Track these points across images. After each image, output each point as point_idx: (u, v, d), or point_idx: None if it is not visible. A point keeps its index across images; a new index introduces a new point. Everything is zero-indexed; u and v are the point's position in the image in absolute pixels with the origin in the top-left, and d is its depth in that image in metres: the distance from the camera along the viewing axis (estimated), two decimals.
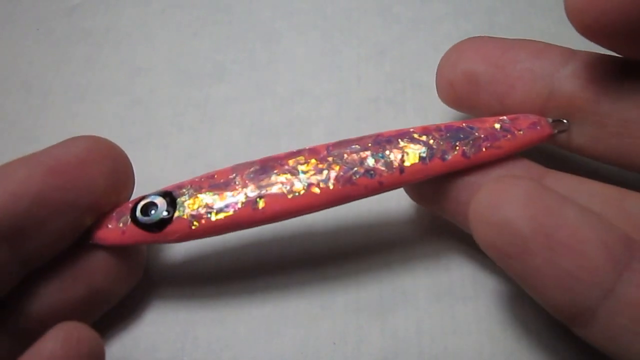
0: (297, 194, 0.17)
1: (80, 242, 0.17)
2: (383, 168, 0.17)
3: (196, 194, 0.17)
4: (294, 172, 0.17)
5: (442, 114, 0.24)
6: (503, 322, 0.19)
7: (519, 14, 0.27)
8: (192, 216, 0.17)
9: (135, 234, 0.17)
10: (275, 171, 0.17)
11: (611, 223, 0.14)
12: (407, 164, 0.17)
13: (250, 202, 0.17)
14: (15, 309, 0.16)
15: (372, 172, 0.17)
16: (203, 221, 0.17)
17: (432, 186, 0.18)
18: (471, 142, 0.18)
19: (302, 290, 0.20)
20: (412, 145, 0.18)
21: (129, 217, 0.17)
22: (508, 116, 0.19)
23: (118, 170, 0.17)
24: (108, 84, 0.26)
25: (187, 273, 0.20)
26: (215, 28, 0.27)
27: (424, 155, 0.18)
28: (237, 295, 0.20)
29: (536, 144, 0.18)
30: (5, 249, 0.15)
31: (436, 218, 0.20)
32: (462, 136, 0.18)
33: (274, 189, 0.17)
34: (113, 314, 0.19)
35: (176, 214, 0.17)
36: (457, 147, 0.18)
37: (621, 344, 0.14)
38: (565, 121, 0.18)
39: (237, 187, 0.17)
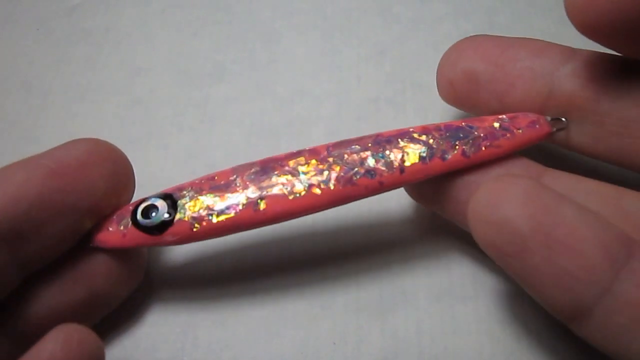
0: (298, 194, 0.17)
1: (80, 244, 0.17)
2: (383, 168, 0.17)
3: (197, 196, 0.17)
4: (294, 173, 0.17)
5: (442, 113, 0.24)
6: (503, 322, 0.19)
7: (519, 14, 0.27)
8: (193, 218, 0.17)
9: (136, 237, 0.17)
10: (275, 172, 0.17)
11: (609, 222, 0.15)
12: (407, 163, 0.17)
13: (252, 204, 0.17)
14: (15, 311, 0.16)
15: (372, 172, 0.17)
16: (204, 223, 0.17)
17: (432, 185, 0.18)
18: (471, 141, 0.18)
19: (302, 291, 0.20)
20: (412, 145, 0.18)
21: (129, 219, 0.17)
22: (507, 115, 0.19)
23: (118, 172, 0.17)
24: (108, 84, 0.26)
25: (186, 273, 0.20)
26: (215, 28, 0.27)
27: (424, 155, 0.18)
28: (237, 295, 0.20)
29: (535, 142, 0.18)
30: (4, 251, 0.15)
31: (436, 218, 0.20)
32: (461, 135, 0.18)
33: (275, 190, 0.17)
34: (113, 314, 0.19)
35: (177, 216, 0.17)
36: (457, 147, 0.18)
37: (618, 342, 0.14)
38: (563, 119, 0.18)
39: (237, 189, 0.17)
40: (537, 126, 0.18)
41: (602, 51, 0.18)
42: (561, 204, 0.14)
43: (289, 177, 0.17)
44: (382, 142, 0.18)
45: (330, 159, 0.18)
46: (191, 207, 0.17)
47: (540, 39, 0.20)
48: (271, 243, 0.21)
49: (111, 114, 0.25)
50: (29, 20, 0.28)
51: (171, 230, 0.17)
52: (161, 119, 0.24)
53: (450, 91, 0.20)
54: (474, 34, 0.20)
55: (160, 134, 0.24)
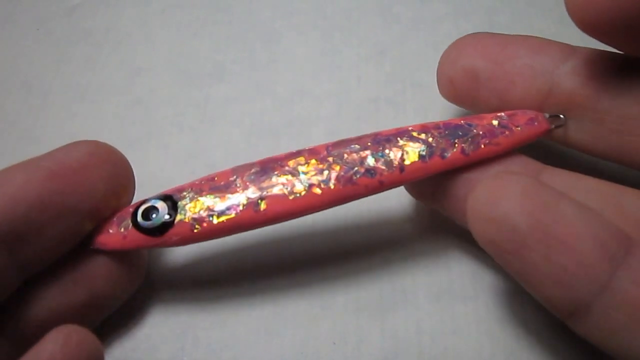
0: (298, 194, 0.17)
1: (81, 247, 0.17)
2: (383, 167, 0.17)
3: (197, 197, 0.17)
4: (294, 173, 0.17)
5: (442, 113, 0.24)
6: (503, 321, 0.19)
7: (519, 13, 0.27)
8: (194, 219, 0.17)
9: (137, 239, 0.17)
10: (275, 172, 0.17)
11: (607, 219, 0.15)
12: (407, 162, 0.17)
13: (252, 204, 0.17)
14: (15, 313, 0.16)
15: (372, 171, 0.17)
16: (205, 224, 0.17)
17: (431, 183, 0.19)
18: (470, 139, 0.18)
19: (302, 291, 0.20)
20: (411, 144, 0.18)
21: (130, 221, 0.17)
22: (506, 112, 0.19)
23: (118, 174, 0.17)
24: (108, 84, 0.26)
25: (187, 274, 0.20)
26: (215, 28, 0.27)
27: (424, 153, 0.18)
28: (237, 295, 0.20)
29: (534, 139, 0.19)
30: (4, 253, 0.15)
31: (436, 216, 0.20)
32: (460, 133, 0.18)
33: (275, 190, 0.17)
34: (114, 315, 0.19)
35: (178, 217, 0.17)
36: (456, 145, 0.18)
37: (616, 339, 0.14)
38: (562, 117, 0.19)
39: (238, 189, 0.17)
40: (536, 123, 0.18)
41: (602, 49, 0.18)
42: (559, 202, 0.15)
43: (289, 177, 0.17)
44: (381, 141, 0.18)
45: (330, 159, 0.18)
46: (191, 208, 0.17)
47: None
48: (271, 243, 0.21)
49: (111, 114, 0.25)
50: (29, 20, 0.28)
51: (172, 231, 0.17)
52: (161, 119, 0.24)
53: (450, 89, 0.20)
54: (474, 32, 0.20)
55: (160, 134, 0.24)
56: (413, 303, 0.19)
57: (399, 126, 0.19)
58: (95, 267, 0.17)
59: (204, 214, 0.17)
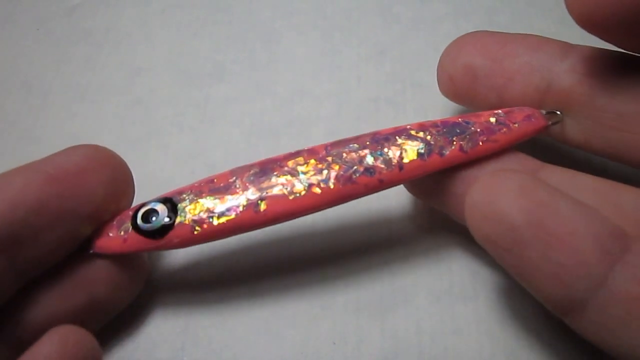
0: (298, 194, 0.17)
1: (80, 251, 0.17)
2: (382, 166, 0.17)
3: (197, 199, 0.17)
4: (293, 173, 0.17)
5: (442, 113, 0.24)
6: (503, 322, 0.19)
7: (519, 14, 0.27)
8: (194, 221, 0.17)
9: (137, 242, 0.17)
10: (275, 173, 0.17)
11: (604, 216, 0.15)
12: (405, 160, 0.17)
13: (252, 205, 0.17)
14: (13, 318, 0.16)
15: (371, 170, 0.17)
16: (205, 226, 0.17)
17: (430, 180, 0.19)
18: (468, 136, 0.18)
19: (302, 291, 0.20)
20: (410, 142, 0.18)
21: (129, 224, 0.17)
22: (503, 110, 0.19)
23: (118, 178, 0.17)
24: (108, 84, 0.26)
25: (187, 273, 0.20)
26: (215, 28, 0.27)
27: (422, 151, 0.18)
28: (237, 295, 0.20)
29: (532, 136, 0.19)
30: (3, 257, 0.15)
31: (436, 216, 0.20)
32: (458, 131, 0.18)
33: (275, 191, 0.17)
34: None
35: (178, 219, 0.17)
36: (455, 142, 0.18)
37: (612, 336, 0.14)
38: (558, 113, 0.19)
39: (237, 191, 0.17)
40: (533, 120, 0.18)
41: (601, 47, 0.18)
42: (556, 198, 0.15)
43: (289, 177, 0.17)
44: (380, 140, 0.18)
45: (329, 158, 0.18)
46: (191, 210, 0.17)
47: None
48: (271, 243, 0.21)
49: (111, 114, 0.25)
50: (29, 20, 0.28)
51: (172, 233, 0.17)
52: (161, 119, 0.24)
53: (450, 86, 0.20)
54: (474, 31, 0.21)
55: (160, 134, 0.24)
56: (413, 303, 0.19)
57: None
58: (95, 271, 0.17)
59: (204, 215, 0.17)
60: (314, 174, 0.17)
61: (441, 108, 0.24)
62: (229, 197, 0.17)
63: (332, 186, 0.17)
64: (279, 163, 0.18)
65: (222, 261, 0.20)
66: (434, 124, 0.18)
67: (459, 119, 0.18)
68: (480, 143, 0.18)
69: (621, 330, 0.14)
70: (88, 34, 0.27)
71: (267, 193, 0.17)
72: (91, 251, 0.17)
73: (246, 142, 0.24)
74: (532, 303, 0.16)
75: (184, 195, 0.17)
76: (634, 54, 0.18)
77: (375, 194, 0.18)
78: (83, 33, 0.27)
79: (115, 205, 0.17)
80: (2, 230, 0.15)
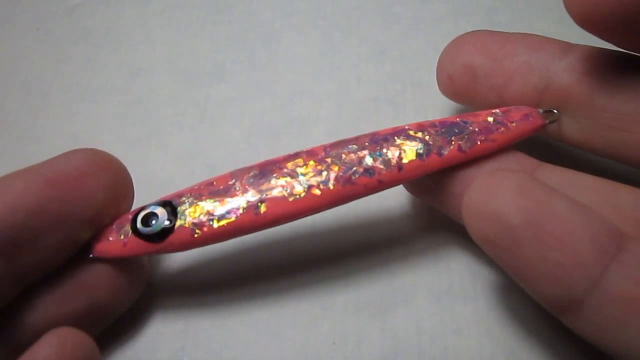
0: (298, 196, 0.17)
1: (80, 255, 0.17)
2: (381, 166, 0.17)
3: (197, 202, 0.17)
4: (293, 174, 0.17)
5: (442, 113, 0.24)
6: (503, 322, 0.19)
7: (519, 14, 0.27)
8: (194, 224, 0.17)
9: (137, 245, 0.17)
10: (274, 175, 0.17)
11: (600, 215, 0.15)
12: (404, 161, 0.18)
13: (252, 207, 0.17)
14: (14, 321, 0.16)
15: (371, 170, 0.17)
16: (205, 228, 0.17)
17: (429, 180, 0.19)
18: (466, 136, 0.18)
19: (302, 291, 0.20)
20: (408, 142, 0.18)
21: (129, 228, 0.17)
22: (500, 109, 0.19)
23: (117, 182, 0.17)
24: (108, 84, 0.26)
25: (187, 274, 0.20)
26: (215, 28, 0.27)
27: (421, 151, 0.18)
28: (238, 296, 0.20)
29: (529, 134, 0.19)
30: (2, 261, 0.15)
31: (436, 215, 0.20)
32: (456, 131, 0.18)
33: (275, 193, 0.17)
34: None
35: (178, 222, 0.17)
36: (453, 142, 0.18)
37: (608, 334, 0.14)
38: (555, 111, 0.19)
39: (237, 193, 0.17)
40: (530, 119, 0.19)
41: (601, 46, 0.18)
42: (553, 198, 0.15)
43: (288, 179, 0.17)
44: (378, 140, 0.18)
45: (329, 160, 0.18)
46: (191, 213, 0.17)
47: None
48: (271, 243, 0.21)
49: (111, 114, 0.25)
50: (29, 20, 0.28)
51: (172, 237, 0.17)
52: (161, 119, 0.24)
53: (450, 85, 0.20)
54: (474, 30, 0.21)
55: (160, 134, 0.24)
56: (413, 303, 0.19)
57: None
58: (95, 275, 0.17)
59: (204, 218, 0.17)
60: (314, 176, 0.17)
61: (441, 108, 0.24)
62: (228, 199, 0.17)
63: (331, 187, 0.17)
64: (278, 165, 0.18)
65: (222, 262, 0.20)
66: (432, 124, 0.18)
67: (457, 119, 0.18)
68: (479, 142, 0.18)
69: (617, 330, 0.14)
70: (88, 34, 0.27)
71: (266, 195, 0.17)
72: (91, 255, 0.17)
73: (246, 142, 0.24)
74: (532, 302, 0.16)
75: (184, 199, 0.17)
76: (633, 53, 0.18)
77: (375, 194, 0.18)
78: (83, 33, 0.27)
79: (115, 209, 0.17)
80: (1, 234, 0.15)
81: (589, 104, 0.18)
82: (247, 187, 0.17)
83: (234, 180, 0.17)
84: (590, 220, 0.14)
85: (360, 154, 0.18)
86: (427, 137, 0.18)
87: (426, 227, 0.21)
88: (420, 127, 0.18)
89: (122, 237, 0.17)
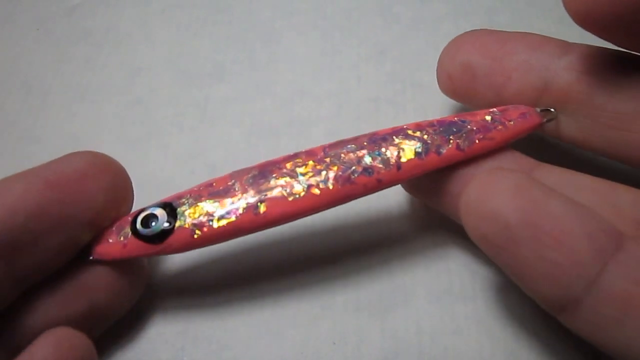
0: (297, 196, 0.17)
1: (80, 257, 0.17)
2: (380, 165, 0.17)
3: (196, 203, 0.17)
4: (292, 174, 0.17)
5: (442, 113, 0.24)
6: (503, 321, 0.19)
7: (518, 14, 0.27)
8: (194, 225, 0.17)
9: (137, 247, 0.17)
10: (274, 175, 0.17)
11: (598, 215, 0.15)
12: (403, 160, 0.18)
13: (252, 207, 0.17)
14: (13, 324, 0.16)
15: (370, 170, 0.17)
16: (205, 229, 0.17)
17: (427, 180, 0.19)
18: (464, 135, 0.18)
19: (302, 291, 0.20)
20: (407, 142, 0.18)
21: (129, 230, 0.17)
22: (498, 108, 0.19)
23: (117, 185, 0.17)
24: (108, 84, 0.26)
25: (187, 274, 0.20)
26: (215, 28, 0.27)
27: (420, 150, 0.18)
28: (237, 296, 0.20)
29: (527, 133, 0.19)
30: (2, 263, 0.15)
31: (435, 215, 0.20)
32: (455, 130, 0.18)
33: (274, 193, 0.17)
34: None
35: (177, 223, 0.17)
36: (451, 141, 0.18)
37: (606, 334, 0.14)
38: (552, 110, 0.19)
39: (237, 193, 0.17)
40: (528, 117, 0.19)
41: (600, 46, 0.18)
42: (550, 197, 0.15)
43: (288, 179, 0.17)
44: (377, 140, 0.18)
45: (328, 159, 0.18)
46: (191, 214, 0.17)
47: None
48: (271, 244, 0.21)
49: (111, 114, 0.25)
50: (29, 20, 0.28)
51: (172, 238, 0.17)
52: (161, 119, 0.24)
53: (449, 84, 0.20)
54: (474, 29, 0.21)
55: (160, 134, 0.24)
56: (413, 303, 0.19)
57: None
58: (95, 278, 0.17)
59: (203, 219, 0.17)
60: (313, 175, 0.17)
61: (441, 108, 0.24)
62: (228, 200, 0.17)
63: (331, 187, 0.17)
64: (277, 165, 0.18)
65: (222, 262, 0.20)
66: (431, 124, 0.18)
67: (455, 118, 0.19)
68: (477, 141, 0.18)
69: (615, 329, 0.14)
70: (88, 34, 0.27)
71: (266, 195, 0.17)
72: (91, 257, 0.17)
73: (246, 142, 0.24)
74: (532, 302, 0.16)
75: (183, 200, 0.17)
76: (632, 52, 0.18)
77: (374, 194, 0.18)
78: (83, 33, 0.28)
79: (115, 212, 0.17)
80: (1, 236, 0.15)
81: (588, 102, 0.18)
82: (246, 187, 0.17)
83: (233, 181, 0.17)
84: (588, 220, 0.14)
85: (359, 153, 0.18)
86: (425, 137, 0.18)
87: (426, 227, 0.21)
88: (419, 127, 0.18)
89: (121, 238, 0.17)
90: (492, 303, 0.19)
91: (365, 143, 0.18)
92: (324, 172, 0.17)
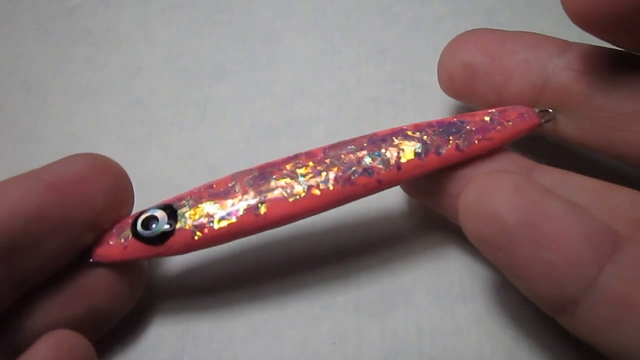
0: (297, 197, 0.17)
1: (80, 259, 0.17)
2: (380, 166, 0.17)
3: (197, 204, 0.17)
4: (293, 175, 0.17)
5: (442, 113, 0.24)
6: (503, 321, 0.19)
7: (518, 14, 0.27)
8: (195, 226, 0.17)
9: (137, 249, 0.17)
10: (274, 176, 0.17)
11: (595, 216, 0.15)
12: (403, 160, 0.18)
13: (252, 208, 0.17)
14: (14, 326, 0.16)
15: (370, 170, 0.17)
16: (206, 230, 0.17)
17: (426, 181, 0.19)
18: (463, 135, 0.18)
19: (302, 291, 0.20)
20: (407, 142, 0.18)
21: (129, 232, 0.17)
22: (496, 109, 0.19)
23: (117, 187, 0.17)
24: (108, 84, 0.26)
25: (187, 274, 0.20)
26: (215, 28, 0.27)
27: (419, 151, 0.18)
28: (238, 296, 0.20)
29: (525, 133, 0.19)
30: (2, 266, 0.15)
31: (434, 216, 0.20)
32: (454, 130, 0.18)
33: (275, 194, 0.17)
34: None
35: (178, 225, 0.17)
36: (451, 141, 0.18)
37: (604, 335, 0.14)
38: (550, 111, 0.19)
39: (237, 195, 0.17)
40: (526, 118, 0.19)
41: (599, 45, 0.18)
42: (548, 199, 0.15)
43: (288, 180, 0.17)
44: (377, 141, 0.18)
45: (328, 160, 0.18)
46: (192, 216, 0.17)
47: None
48: (271, 244, 0.21)
49: (111, 114, 0.25)
50: (29, 20, 0.28)
51: (173, 239, 0.17)
52: (161, 119, 0.24)
53: (450, 83, 0.20)
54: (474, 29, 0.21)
55: (160, 134, 0.24)
56: (413, 303, 0.19)
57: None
58: (96, 280, 0.17)
59: (204, 220, 0.17)
60: (313, 176, 0.17)
61: (441, 108, 0.24)
62: (228, 201, 0.17)
63: (331, 187, 0.17)
64: (277, 166, 0.18)
65: (222, 263, 0.20)
66: (430, 124, 0.18)
67: (454, 119, 0.19)
68: (476, 141, 0.18)
69: (612, 330, 0.14)
70: (88, 34, 0.27)
71: (266, 196, 0.17)
72: (91, 260, 0.17)
73: (246, 142, 0.24)
74: (532, 302, 0.16)
75: (184, 201, 0.17)
76: (631, 52, 0.18)
77: (374, 195, 0.18)
78: (83, 33, 0.28)
79: (115, 214, 0.17)
80: (1, 239, 0.15)
81: (587, 102, 0.18)
82: (247, 188, 0.17)
83: (233, 183, 0.17)
84: (586, 221, 0.14)
85: (359, 154, 0.18)
86: (425, 137, 0.18)
87: (426, 227, 0.21)
88: (418, 128, 0.18)
89: (122, 240, 0.17)
90: (492, 303, 0.19)
91: (365, 144, 0.18)
92: (324, 173, 0.17)
